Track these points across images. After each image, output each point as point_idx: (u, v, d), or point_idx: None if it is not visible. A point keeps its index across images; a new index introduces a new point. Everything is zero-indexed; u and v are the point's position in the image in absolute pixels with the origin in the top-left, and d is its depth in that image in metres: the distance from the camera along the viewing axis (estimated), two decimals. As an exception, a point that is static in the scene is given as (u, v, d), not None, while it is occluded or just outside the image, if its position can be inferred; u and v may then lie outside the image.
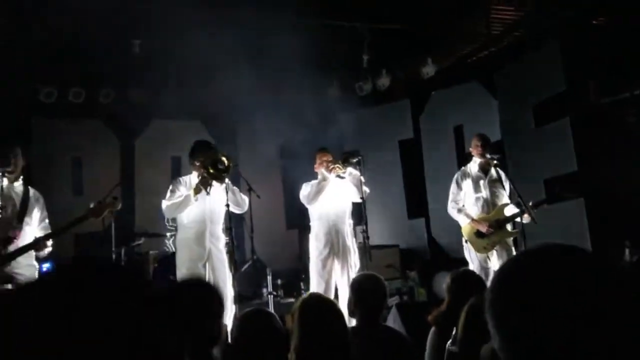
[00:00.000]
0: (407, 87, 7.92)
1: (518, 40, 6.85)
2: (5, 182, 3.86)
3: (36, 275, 4.09)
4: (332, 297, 4.53)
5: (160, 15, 5.89)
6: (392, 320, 4.50)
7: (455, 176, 5.43)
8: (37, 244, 3.91)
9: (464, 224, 5.25)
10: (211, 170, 4.50)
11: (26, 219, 4.03)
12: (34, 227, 4.11)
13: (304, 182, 5.30)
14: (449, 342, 2.55)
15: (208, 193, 4.48)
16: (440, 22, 6.71)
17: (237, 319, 2.88)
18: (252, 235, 6.53)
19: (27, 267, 4.00)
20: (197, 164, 4.66)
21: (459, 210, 5.26)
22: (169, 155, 7.93)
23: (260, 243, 7.10)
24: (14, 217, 3.94)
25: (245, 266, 6.97)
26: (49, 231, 4.12)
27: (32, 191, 4.18)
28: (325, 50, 6.64)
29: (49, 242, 3.99)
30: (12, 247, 3.85)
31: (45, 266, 5.88)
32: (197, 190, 4.50)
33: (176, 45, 5.98)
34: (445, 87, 7.64)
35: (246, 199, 4.99)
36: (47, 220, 4.22)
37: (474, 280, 3.20)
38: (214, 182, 4.54)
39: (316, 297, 2.52)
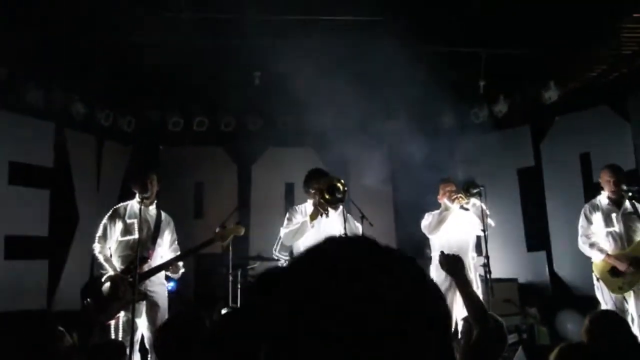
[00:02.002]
0: (527, 113, 7.52)
1: (655, 60, 6.29)
2: (142, 206, 4.17)
3: (166, 293, 4.37)
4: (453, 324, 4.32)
5: (279, 48, 6.15)
6: (517, 361, 4.21)
7: (584, 209, 5.04)
8: (171, 265, 4.18)
9: (598, 260, 4.82)
10: (327, 196, 4.54)
11: (158, 241, 4.34)
12: (164, 248, 4.41)
13: (415, 210, 5.19)
14: None
15: (327, 215, 4.52)
16: (565, 43, 6.35)
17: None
18: (363, 263, 6.46)
19: (160, 285, 4.30)
20: (312, 191, 4.73)
21: (592, 245, 4.85)
22: (283, 181, 8.16)
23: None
24: (148, 238, 4.24)
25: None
26: (179, 252, 4.39)
27: (164, 215, 4.49)
28: (439, 77, 6.52)
29: (181, 264, 4.26)
30: (146, 267, 4.14)
31: (170, 285, 6.28)
32: (313, 216, 4.56)
33: (292, 76, 6.19)
34: (570, 112, 7.16)
35: (359, 226, 4.98)
36: (176, 243, 4.50)
37: (615, 322, 2.90)
38: (330, 209, 4.57)
39: None
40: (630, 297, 4.64)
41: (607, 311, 3.93)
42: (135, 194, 4.37)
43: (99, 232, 4.28)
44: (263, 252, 7.20)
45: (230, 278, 6.79)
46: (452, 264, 2.74)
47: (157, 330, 1.29)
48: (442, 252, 2.86)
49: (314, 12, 5.71)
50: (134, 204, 4.37)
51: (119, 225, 4.28)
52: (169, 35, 5.88)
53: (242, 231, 4.40)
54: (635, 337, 3.04)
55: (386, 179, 8.24)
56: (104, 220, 4.31)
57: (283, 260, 7.11)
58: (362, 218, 5.87)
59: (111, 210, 4.37)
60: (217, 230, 4.30)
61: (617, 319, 3.02)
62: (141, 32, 5.79)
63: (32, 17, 5.32)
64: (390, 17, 5.75)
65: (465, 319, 2.81)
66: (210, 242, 4.28)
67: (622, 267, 4.62)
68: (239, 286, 6.89)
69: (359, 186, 7.79)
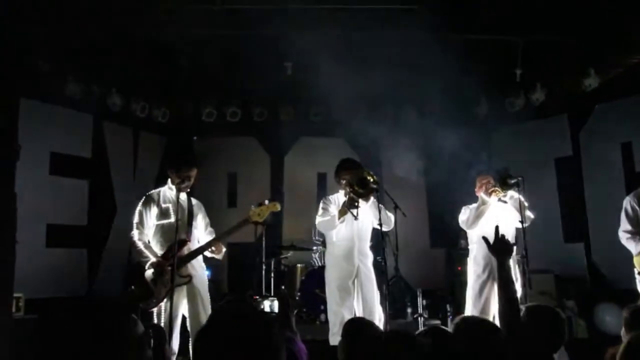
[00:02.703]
0: (565, 101, 7.32)
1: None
2: (178, 192, 4.23)
3: (206, 276, 4.46)
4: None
5: (310, 38, 6.13)
6: (558, 356, 4.13)
7: (627, 200, 4.89)
8: (211, 246, 4.25)
9: (637, 253, 4.69)
10: (357, 189, 4.51)
11: (194, 223, 4.42)
12: (200, 231, 4.49)
13: (449, 200, 5.14)
14: None
15: (356, 218, 4.51)
16: (604, 29, 6.14)
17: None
18: (397, 253, 6.46)
19: (200, 268, 4.38)
20: (343, 182, 4.71)
21: (631, 238, 4.71)
22: (315, 171, 8.18)
23: (404, 261, 7.00)
24: (184, 221, 4.32)
25: (389, 283, 6.93)
26: (214, 235, 4.46)
27: (194, 200, 4.57)
28: (475, 66, 6.40)
29: (222, 246, 4.32)
30: (185, 249, 4.23)
31: (207, 272, 6.41)
32: (342, 212, 4.55)
33: (323, 66, 6.17)
34: (610, 100, 6.94)
35: (392, 216, 4.95)
36: (210, 226, 4.58)
37: None
38: (361, 201, 4.55)
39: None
40: (673, 292, 4.52)
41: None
42: (167, 180, 4.43)
43: (136, 219, 4.35)
44: (296, 242, 7.27)
45: (264, 267, 6.89)
46: (503, 243, 2.68)
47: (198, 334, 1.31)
48: (497, 228, 2.76)
49: (346, 1, 5.66)
50: (166, 190, 4.44)
51: (154, 210, 4.35)
52: (201, 27, 5.92)
53: (279, 207, 4.41)
54: None
55: (419, 169, 8.16)
56: (139, 207, 4.38)
57: (317, 247, 7.18)
58: (395, 208, 5.87)
59: (144, 197, 4.44)
60: (253, 208, 4.33)
61: None
62: (174, 25, 5.85)
63: (71, 11, 5.42)
64: (424, 5, 5.65)
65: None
66: (247, 221, 4.32)
67: (660, 261, 4.49)
68: (272, 275, 6.98)
69: (391, 176, 7.76)
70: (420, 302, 4.91)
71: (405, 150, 8.00)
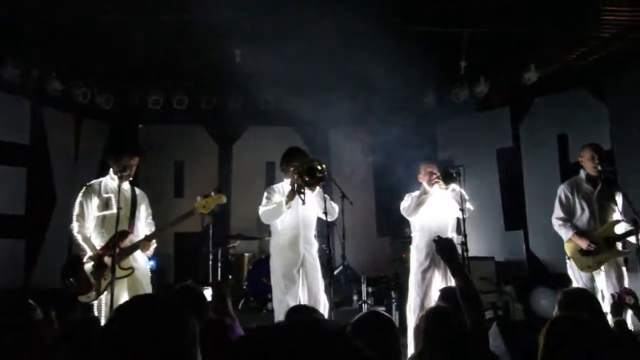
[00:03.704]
0: (507, 94, 7.58)
1: (632, 43, 6.35)
2: (120, 182, 4.14)
3: (148, 267, 4.39)
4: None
5: (257, 26, 6.08)
6: (493, 338, 4.30)
7: (561, 188, 5.10)
8: (150, 240, 4.18)
9: (567, 239, 4.93)
10: (305, 178, 4.50)
11: (137, 215, 4.34)
12: (142, 222, 4.41)
13: (396, 190, 5.22)
14: None
15: (304, 203, 4.51)
16: (545, 25, 6.38)
17: None
18: (344, 242, 6.53)
19: (142, 260, 4.31)
20: (290, 170, 4.70)
21: (563, 224, 4.94)
22: (264, 160, 8.15)
23: (351, 250, 7.10)
24: (127, 213, 4.24)
25: (336, 272, 7.00)
26: (154, 228, 4.39)
27: (137, 190, 4.48)
28: (421, 58, 6.52)
29: (153, 242, 4.25)
30: (128, 241, 4.14)
31: (150, 263, 6.27)
32: (289, 199, 4.54)
33: (272, 54, 6.13)
34: (548, 94, 7.24)
35: (336, 207, 4.95)
36: (150, 217, 4.51)
37: (586, 297, 2.99)
38: (307, 190, 4.55)
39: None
40: (599, 275, 4.75)
41: (580, 288, 4.03)
42: (109, 169, 4.33)
43: (76, 211, 4.23)
44: (244, 231, 7.23)
45: (211, 257, 6.83)
46: (447, 250, 2.77)
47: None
48: (436, 238, 2.85)
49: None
50: (108, 180, 4.34)
51: (95, 201, 4.24)
52: (148, 12, 5.77)
53: (224, 199, 4.38)
54: (603, 314, 3.12)
55: (367, 159, 8.28)
56: (79, 198, 4.26)
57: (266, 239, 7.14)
58: (342, 197, 5.91)
59: (85, 187, 4.32)
60: (199, 199, 4.28)
61: (589, 295, 3.10)
62: (119, 9, 5.67)
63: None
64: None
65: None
66: (191, 213, 4.27)
67: (583, 244, 4.72)
68: (219, 265, 6.93)
69: (339, 165, 7.83)
70: (364, 289, 4.98)
71: (353, 140, 8.09)
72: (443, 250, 2.78)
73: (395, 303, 6.18)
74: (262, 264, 6.50)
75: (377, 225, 8.27)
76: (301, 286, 4.63)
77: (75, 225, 4.20)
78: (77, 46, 6.28)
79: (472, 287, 2.67)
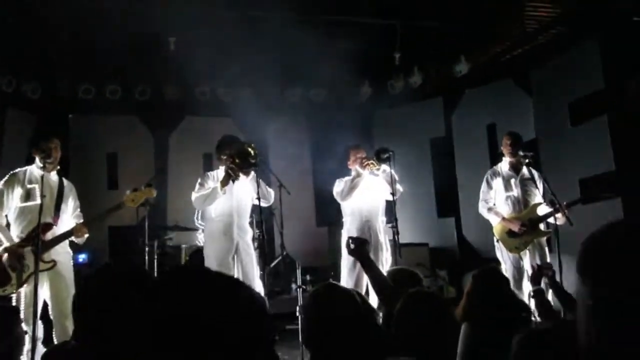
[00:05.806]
0: (440, 85, 7.83)
1: (554, 37, 6.70)
2: (44, 172, 3.99)
3: (71, 263, 4.24)
4: (363, 292, 4.51)
5: (194, 14, 5.99)
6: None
7: (486, 175, 5.36)
8: (75, 232, 4.04)
9: (495, 223, 5.18)
10: (237, 161, 4.50)
11: (62, 207, 4.19)
12: (69, 215, 4.26)
13: (334, 179, 5.29)
14: None
15: (237, 179, 4.49)
16: (474, 19, 6.63)
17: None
18: (282, 231, 6.57)
19: (65, 254, 4.16)
20: (224, 157, 4.68)
21: (490, 209, 5.19)
22: (201, 151, 8.04)
23: (290, 239, 7.14)
24: (51, 204, 4.08)
25: (275, 262, 7.04)
26: (82, 220, 4.26)
27: (65, 181, 4.33)
28: (358, 48, 6.62)
29: (86, 230, 4.12)
30: (50, 234, 3.99)
31: (82, 257, 6.06)
32: (224, 183, 4.52)
33: (208, 43, 6.05)
34: (478, 85, 7.53)
35: (272, 191, 4.97)
36: (79, 210, 4.37)
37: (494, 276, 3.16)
38: (241, 175, 4.55)
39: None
40: (526, 255, 5.03)
41: (489, 268, 4.23)
42: (34, 159, 4.16)
43: None
44: (180, 222, 7.12)
45: (147, 248, 6.67)
46: (358, 248, 2.86)
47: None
48: (349, 238, 2.96)
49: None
50: (33, 169, 4.17)
51: (18, 191, 4.06)
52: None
53: (154, 193, 4.31)
54: (512, 293, 3.25)
55: (305, 149, 8.33)
56: (0, 186, 4.08)
57: (201, 229, 7.07)
58: (279, 187, 5.94)
59: (8, 175, 4.13)
60: (128, 193, 4.19)
61: (498, 274, 3.25)
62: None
63: None
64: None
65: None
66: (119, 206, 4.17)
67: (515, 228, 4.99)
68: (155, 257, 6.79)
69: (278, 156, 7.84)
70: (300, 276, 5.03)
71: (291, 130, 8.12)
72: (353, 251, 2.88)
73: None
74: (198, 255, 6.44)
75: (316, 215, 8.35)
76: (236, 273, 4.63)
77: None
78: (1, 32, 5.97)
79: (385, 280, 2.80)
